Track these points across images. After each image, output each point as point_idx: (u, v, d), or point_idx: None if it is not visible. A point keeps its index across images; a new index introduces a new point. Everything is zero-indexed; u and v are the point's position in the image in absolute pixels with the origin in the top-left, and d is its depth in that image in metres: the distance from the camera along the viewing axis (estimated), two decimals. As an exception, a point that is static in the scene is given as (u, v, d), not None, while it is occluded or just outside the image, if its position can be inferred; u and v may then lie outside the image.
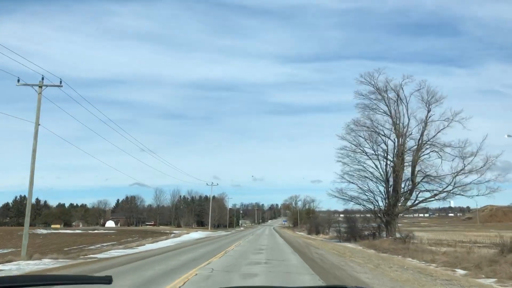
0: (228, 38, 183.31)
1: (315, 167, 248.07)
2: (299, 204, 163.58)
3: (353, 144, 40.71)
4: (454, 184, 36.18)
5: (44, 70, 41.39)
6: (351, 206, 44.13)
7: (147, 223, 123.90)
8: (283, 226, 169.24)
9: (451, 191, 36.87)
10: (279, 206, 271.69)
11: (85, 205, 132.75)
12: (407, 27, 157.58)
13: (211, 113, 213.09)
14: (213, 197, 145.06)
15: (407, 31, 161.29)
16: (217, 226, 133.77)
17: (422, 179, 37.76)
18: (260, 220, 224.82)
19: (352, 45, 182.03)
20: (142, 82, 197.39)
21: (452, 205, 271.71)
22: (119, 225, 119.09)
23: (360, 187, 40.97)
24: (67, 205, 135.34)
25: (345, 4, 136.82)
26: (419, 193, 38.83)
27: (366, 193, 41.01)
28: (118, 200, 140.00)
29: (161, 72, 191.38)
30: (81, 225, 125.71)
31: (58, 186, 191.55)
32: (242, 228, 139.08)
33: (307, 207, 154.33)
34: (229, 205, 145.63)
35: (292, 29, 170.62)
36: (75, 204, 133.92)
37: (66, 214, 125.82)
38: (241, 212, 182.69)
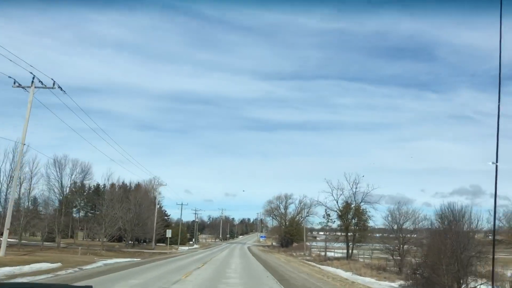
0: (207, 51, 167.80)
1: (288, 185, 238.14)
2: (291, 208, 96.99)
3: None
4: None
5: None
6: None
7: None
8: (264, 246, 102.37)
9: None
10: (251, 220, 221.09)
11: None
12: (385, 50, 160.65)
13: (186, 126, 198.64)
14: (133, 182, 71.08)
15: (384, 54, 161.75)
16: (137, 241, 66.90)
17: None
18: (228, 235, 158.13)
19: (330, 65, 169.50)
20: (117, 92, 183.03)
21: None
22: None
23: None
24: None
25: (325, 24, 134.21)
26: None
27: None
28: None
29: (137, 82, 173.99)
30: None
31: None
32: (186, 249, 72.54)
33: (304, 214, 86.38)
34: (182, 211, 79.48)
35: (271, 46, 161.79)
36: None
37: None
38: (197, 221, 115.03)
